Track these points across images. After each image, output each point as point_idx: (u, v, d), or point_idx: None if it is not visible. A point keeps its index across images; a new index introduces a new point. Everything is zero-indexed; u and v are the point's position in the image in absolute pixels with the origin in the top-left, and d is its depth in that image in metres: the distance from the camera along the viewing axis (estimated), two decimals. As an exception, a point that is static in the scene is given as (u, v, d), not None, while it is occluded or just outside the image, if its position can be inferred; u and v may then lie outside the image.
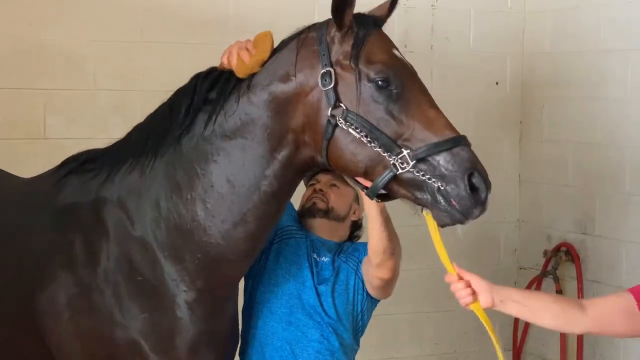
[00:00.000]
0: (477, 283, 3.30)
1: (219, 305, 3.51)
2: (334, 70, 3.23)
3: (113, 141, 3.58)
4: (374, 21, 3.35)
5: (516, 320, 6.48)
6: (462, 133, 3.19)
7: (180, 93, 3.45)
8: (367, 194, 3.29)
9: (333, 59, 3.26)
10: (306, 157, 3.35)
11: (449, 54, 6.33)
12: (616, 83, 5.87)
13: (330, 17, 3.27)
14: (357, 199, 4.04)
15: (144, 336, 3.36)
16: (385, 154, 3.16)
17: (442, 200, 3.12)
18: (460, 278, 3.30)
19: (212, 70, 3.44)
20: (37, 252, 3.45)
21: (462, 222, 3.16)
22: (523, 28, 6.56)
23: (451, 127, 3.19)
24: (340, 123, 3.20)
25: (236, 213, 3.35)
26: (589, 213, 6.06)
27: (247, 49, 3.39)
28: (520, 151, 6.63)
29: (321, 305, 3.83)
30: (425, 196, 3.16)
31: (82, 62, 5.44)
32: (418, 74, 3.34)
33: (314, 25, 3.38)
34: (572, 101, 6.21)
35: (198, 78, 3.43)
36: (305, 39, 3.33)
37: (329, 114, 3.22)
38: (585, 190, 6.11)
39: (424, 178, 3.13)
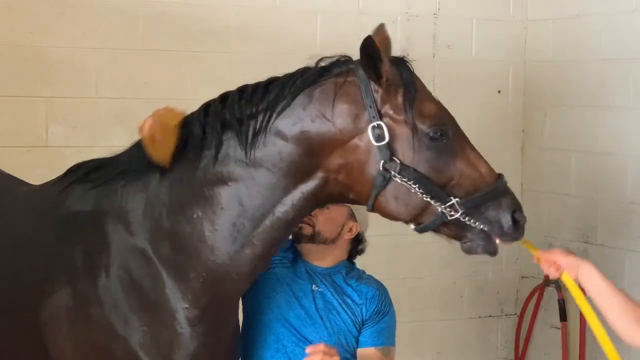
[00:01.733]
0: (562, 260, 3.36)
1: (220, 321, 3.47)
2: (385, 123, 3.22)
3: (114, 149, 3.55)
4: (406, 61, 3.33)
5: (518, 329, 6.48)
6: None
7: (198, 115, 3.36)
8: (415, 231, 3.35)
9: (381, 110, 3.24)
10: (334, 193, 3.34)
11: (450, 63, 6.33)
12: (618, 91, 5.87)
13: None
14: (352, 216, 3.94)
15: (144, 349, 3.32)
16: (435, 204, 3.23)
17: (482, 237, 3.28)
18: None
19: (228, 93, 3.37)
20: (39, 262, 3.42)
21: (493, 255, 3.34)
22: (525, 36, 6.56)
23: (491, 170, 3.32)
24: (395, 177, 3.22)
25: (245, 235, 3.31)
26: (591, 222, 6.05)
27: (155, 135, 3.26)
28: (522, 160, 6.62)
29: (306, 335, 3.80)
30: (467, 234, 3.30)
31: (83, 70, 5.44)
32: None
33: (349, 64, 3.29)
34: (574, 110, 6.20)
35: (224, 99, 3.35)
36: (345, 84, 3.26)
37: (381, 167, 3.21)
38: (587, 199, 6.10)
39: (469, 223, 3.24)
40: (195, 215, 3.32)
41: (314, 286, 3.87)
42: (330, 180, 3.30)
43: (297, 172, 3.28)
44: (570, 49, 6.22)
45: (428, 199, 3.22)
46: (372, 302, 3.92)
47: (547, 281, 6.21)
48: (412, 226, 3.34)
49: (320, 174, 3.29)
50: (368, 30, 3.38)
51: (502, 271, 6.59)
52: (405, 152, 3.23)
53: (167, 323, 3.34)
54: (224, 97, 3.36)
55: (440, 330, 6.47)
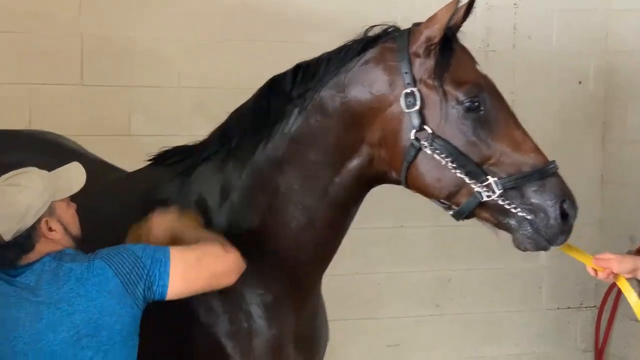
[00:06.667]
0: (616, 267, 3.24)
1: (298, 306, 3.47)
2: (419, 90, 3.14)
3: (195, 139, 3.61)
4: (454, 33, 3.23)
5: (598, 320, 6.42)
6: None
7: (258, 95, 3.41)
8: (453, 216, 3.23)
9: (417, 77, 3.15)
10: (379, 172, 3.27)
11: (531, 53, 6.28)
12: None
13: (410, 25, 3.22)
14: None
15: (227, 337, 3.35)
16: (470, 181, 3.09)
17: (528, 227, 3.09)
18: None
19: (282, 75, 3.39)
20: None
21: (546, 249, 3.15)
22: (607, 27, 6.48)
23: (539, 152, 3.13)
24: (425, 147, 3.11)
25: (303, 218, 3.31)
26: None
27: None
28: (603, 151, 6.55)
29: None
30: (509, 221, 3.12)
31: (166, 60, 5.52)
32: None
33: (390, 32, 3.27)
34: (657, 101, 6.13)
35: (275, 81, 3.38)
36: (383, 50, 3.23)
37: (412, 137, 3.12)
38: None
39: (509, 207, 3.08)
40: (258, 200, 3.35)
41: None
42: (375, 157, 3.24)
43: (342, 148, 3.25)
44: (654, 39, 6.15)
45: (462, 175, 3.09)
46: None
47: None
48: (450, 211, 3.21)
49: (364, 150, 3.24)
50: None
51: (582, 264, 6.52)
52: (437, 121, 3.12)
53: (244, 310, 3.37)
54: (274, 80, 3.38)
55: (518, 322, 6.45)
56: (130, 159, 3.90)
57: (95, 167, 3.98)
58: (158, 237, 3.22)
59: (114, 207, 3.59)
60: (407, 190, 3.35)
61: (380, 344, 6.17)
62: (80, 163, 3.85)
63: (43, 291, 3.00)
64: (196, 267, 3.08)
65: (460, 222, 3.53)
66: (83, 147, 4.30)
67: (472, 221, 3.40)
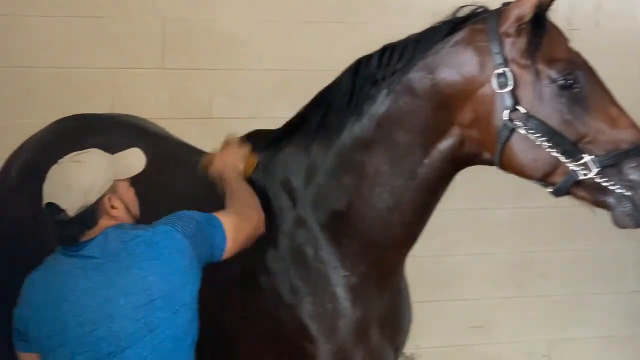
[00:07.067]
0: None
1: (382, 288, 3.47)
2: (510, 70, 3.11)
3: (276, 121, 3.63)
4: (544, 11, 3.18)
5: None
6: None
7: (344, 77, 3.40)
8: (551, 195, 3.19)
9: (508, 57, 3.13)
10: (470, 153, 3.24)
11: (614, 31, 6.18)
12: None
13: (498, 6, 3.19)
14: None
15: (311, 318, 3.36)
16: (565, 160, 3.06)
17: (627, 204, 3.03)
18: None
19: (369, 56, 3.38)
20: None
21: None
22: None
23: (636, 128, 3.08)
24: (519, 127, 3.09)
25: (390, 200, 3.31)
26: None
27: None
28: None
29: None
30: (607, 199, 3.07)
31: (247, 42, 5.54)
32: (582, 52, 3.23)
33: (479, 13, 3.25)
34: None
35: (361, 63, 3.37)
36: (473, 31, 3.20)
37: (505, 117, 3.10)
38: None
39: (607, 184, 3.04)
40: (344, 181, 3.35)
41: None
42: (466, 138, 3.22)
43: (432, 130, 3.23)
44: None
45: (557, 155, 3.05)
46: None
47: None
48: (548, 189, 3.17)
49: (455, 131, 3.22)
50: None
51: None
52: (530, 101, 3.09)
53: (329, 291, 3.38)
54: (361, 62, 3.37)
55: (603, 304, 6.38)
56: (213, 141, 3.93)
57: (180, 149, 4.03)
58: (214, 168, 3.47)
59: (198, 189, 3.62)
60: (487, 172, 3.33)
61: (462, 326, 6.16)
62: (164, 146, 3.90)
63: (109, 259, 3.05)
64: (240, 233, 3.21)
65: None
66: (166, 130, 4.34)
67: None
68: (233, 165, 3.47)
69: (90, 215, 3.10)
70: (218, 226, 3.16)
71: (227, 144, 3.61)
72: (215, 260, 3.16)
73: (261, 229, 3.30)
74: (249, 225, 3.25)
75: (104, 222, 3.12)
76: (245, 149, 3.54)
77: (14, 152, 4.23)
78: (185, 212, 3.17)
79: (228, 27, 5.51)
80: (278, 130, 3.57)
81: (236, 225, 3.20)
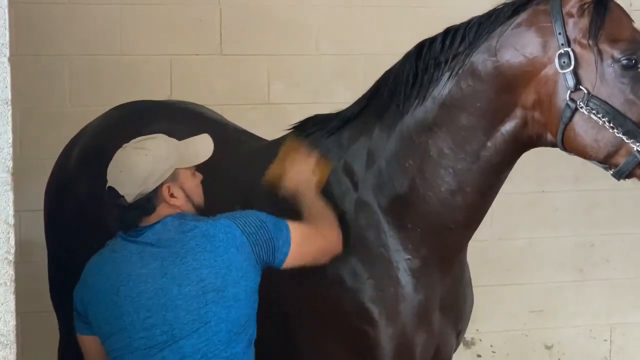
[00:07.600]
0: None
1: (444, 272, 3.46)
2: (573, 50, 3.10)
3: (335, 106, 3.61)
4: None
5: None
6: None
7: (407, 60, 3.38)
8: (613, 176, 3.17)
9: (570, 37, 3.12)
10: (533, 135, 3.23)
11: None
12: None
13: None
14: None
15: (372, 301, 3.35)
16: (629, 140, 3.04)
17: None
18: None
19: (431, 39, 3.36)
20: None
21: None
22: None
23: None
24: (581, 108, 3.07)
25: (454, 182, 3.29)
26: None
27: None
28: None
29: None
30: None
31: (304, 27, 5.54)
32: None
33: None
34: None
35: (423, 46, 3.35)
36: (536, 12, 3.19)
37: (567, 98, 3.09)
38: None
39: None
40: (407, 164, 3.34)
41: None
42: (529, 120, 3.21)
43: (495, 112, 3.22)
44: None
45: (620, 135, 3.04)
46: None
47: None
48: (610, 171, 3.15)
49: (518, 113, 3.21)
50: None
51: None
52: (593, 81, 3.08)
53: (391, 275, 3.37)
54: (423, 45, 3.35)
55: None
56: (271, 127, 3.94)
57: (238, 135, 4.04)
58: (287, 184, 3.37)
59: (256, 175, 3.61)
60: (547, 155, 3.30)
61: (523, 310, 6.11)
62: (223, 132, 3.90)
63: (167, 247, 3.07)
64: (308, 243, 3.20)
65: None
66: (223, 117, 4.35)
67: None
68: (307, 178, 3.42)
69: (147, 202, 3.12)
70: (284, 230, 3.15)
71: (290, 149, 3.53)
72: (277, 264, 3.16)
73: (337, 248, 3.29)
74: (322, 240, 3.24)
75: (162, 210, 3.13)
76: (315, 156, 3.46)
77: (74, 137, 4.28)
78: (255, 211, 3.19)
79: (284, 12, 5.51)
80: (338, 114, 3.55)
81: (306, 235, 3.19)
